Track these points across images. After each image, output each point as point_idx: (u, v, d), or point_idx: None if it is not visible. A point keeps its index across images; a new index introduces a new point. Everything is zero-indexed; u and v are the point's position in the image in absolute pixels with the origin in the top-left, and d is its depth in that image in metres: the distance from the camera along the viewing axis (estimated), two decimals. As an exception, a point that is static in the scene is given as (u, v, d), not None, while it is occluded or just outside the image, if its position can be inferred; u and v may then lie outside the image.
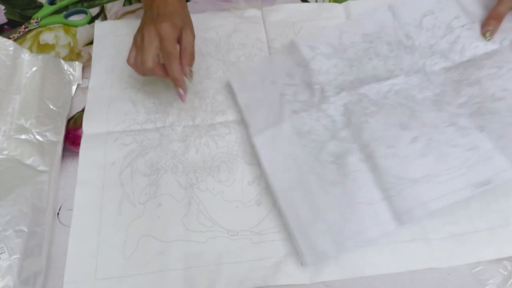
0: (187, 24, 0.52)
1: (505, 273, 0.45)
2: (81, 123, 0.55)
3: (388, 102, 0.51)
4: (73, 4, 0.70)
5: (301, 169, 0.48)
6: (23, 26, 0.66)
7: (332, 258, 0.45)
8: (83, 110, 0.57)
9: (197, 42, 0.63)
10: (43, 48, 0.64)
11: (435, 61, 0.56)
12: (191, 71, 0.51)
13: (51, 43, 0.64)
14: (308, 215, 0.45)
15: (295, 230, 0.45)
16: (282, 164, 0.49)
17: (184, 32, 0.51)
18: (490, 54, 0.55)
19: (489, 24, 0.57)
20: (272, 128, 0.51)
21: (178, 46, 0.50)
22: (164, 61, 0.50)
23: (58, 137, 0.52)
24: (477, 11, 0.59)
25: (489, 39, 0.57)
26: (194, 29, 0.65)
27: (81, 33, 0.66)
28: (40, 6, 0.69)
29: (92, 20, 0.67)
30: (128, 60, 0.52)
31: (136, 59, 0.51)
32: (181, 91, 0.50)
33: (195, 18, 0.66)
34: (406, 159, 0.46)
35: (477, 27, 0.58)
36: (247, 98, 0.55)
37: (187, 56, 0.50)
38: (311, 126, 0.50)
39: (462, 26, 0.58)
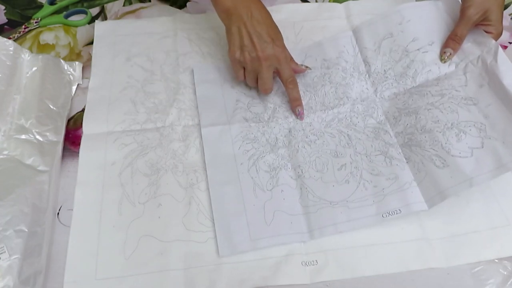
0: (281, 35, 0.54)
1: (505, 273, 0.45)
2: (81, 123, 0.55)
3: (329, 131, 0.54)
4: (73, 4, 0.70)
5: (239, 169, 0.51)
6: (23, 26, 0.66)
7: (244, 253, 0.46)
8: (83, 110, 0.57)
9: (197, 42, 0.64)
10: (43, 48, 0.64)
11: (386, 87, 0.56)
12: (306, 66, 0.57)
13: (51, 43, 0.64)
14: (233, 210, 0.48)
15: (217, 221, 0.47)
16: (222, 160, 0.52)
17: (285, 46, 0.54)
18: (440, 79, 0.54)
19: (447, 46, 0.54)
20: (222, 126, 0.54)
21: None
22: (284, 83, 0.54)
23: (58, 137, 0.52)
24: (441, 29, 0.56)
25: (444, 62, 0.54)
26: (194, 30, 0.66)
27: (81, 33, 0.66)
28: (40, 6, 0.69)
29: (92, 20, 0.67)
30: (238, 78, 0.55)
31: (250, 79, 0.54)
32: (301, 109, 0.55)
33: (195, 18, 0.67)
34: (330, 183, 0.50)
35: (435, 49, 0.56)
36: (205, 92, 0.58)
37: (294, 62, 0.55)
38: (256, 136, 0.54)
39: (418, 49, 0.56)
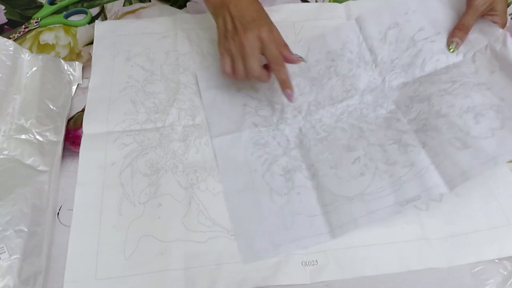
0: (271, 21, 0.52)
1: (505, 273, 0.45)
2: (81, 123, 0.55)
3: (339, 126, 0.53)
4: (73, 4, 0.70)
5: (253, 176, 0.50)
6: (23, 26, 0.66)
7: (266, 259, 0.45)
8: (83, 110, 0.57)
9: (197, 42, 0.64)
10: (43, 48, 0.64)
11: (394, 76, 0.56)
12: (300, 56, 0.52)
13: (51, 43, 0.64)
14: (251, 218, 0.48)
15: (236, 230, 0.47)
16: (236, 168, 0.51)
17: (274, 29, 0.51)
18: (449, 68, 0.54)
19: (454, 35, 0.55)
20: (232, 134, 0.54)
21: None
22: (270, 64, 0.50)
23: (58, 137, 0.52)
24: (446, 21, 0.57)
25: (452, 51, 0.55)
26: (194, 30, 0.65)
27: (81, 33, 0.66)
28: (40, 6, 0.69)
29: (92, 20, 0.67)
30: (224, 69, 0.51)
31: (238, 67, 0.50)
32: (290, 92, 0.51)
33: (195, 18, 0.67)
34: (345, 178, 0.49)
35: (442, 39, 0.56)
36: (211, 99, 0.57)
37: (287, 49, 0.51)
38: (267, 140, 0.53)
39: (425, 39, 0.56)
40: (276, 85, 0.57)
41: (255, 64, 0.49)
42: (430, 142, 0.49)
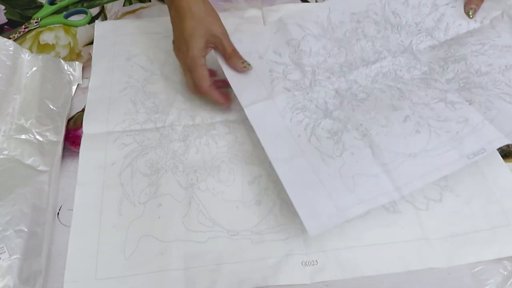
0: (214, 27, 0.51)
1: (505, 273, 0.45)
2: (81, 123, 0.55)
3: (377, 87, 0.52)
4: (73, 4, 0.70)
5: (298, 142, 0.48)
6: (23, 26, 0.66)
7: (336, 227, 0.44)
8: (83, 110, 0.57)
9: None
10: (43, 48, 0.64)
11: (421, 39, 0.57)
12: (244, 65, 0.52)
13: (51, 43, 0.64)
14: (308, 184, 0.45)
15: (294, 199, 0.43)
16: (277, 136, 0.49)
17: (215, 39, 0.51)
18: (472, 32, 0.57)
19: (471, 3, 0.58)
20: (264, 101, 0.52)
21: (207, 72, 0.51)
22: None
23: (58, 137, 0.52)
24: None
25: (471, 17, 0.58)
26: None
27: (81, 33, 0.66)
28: (40, 6, 0.69)
29: (92, 20, 0.67)
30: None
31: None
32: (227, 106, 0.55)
33: (195, 18, 0.66)
34: (400, 136, 0.47)
35: (460, 5, 0.59)
36: (233, 70, 0.54)
37: (232, 57, 0.52)
38: (304, 104, 0.51)
39: (447, 4, 0.59)
40: (303, 46, 0.56)
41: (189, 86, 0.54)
42: (477, 99, 0.49)
